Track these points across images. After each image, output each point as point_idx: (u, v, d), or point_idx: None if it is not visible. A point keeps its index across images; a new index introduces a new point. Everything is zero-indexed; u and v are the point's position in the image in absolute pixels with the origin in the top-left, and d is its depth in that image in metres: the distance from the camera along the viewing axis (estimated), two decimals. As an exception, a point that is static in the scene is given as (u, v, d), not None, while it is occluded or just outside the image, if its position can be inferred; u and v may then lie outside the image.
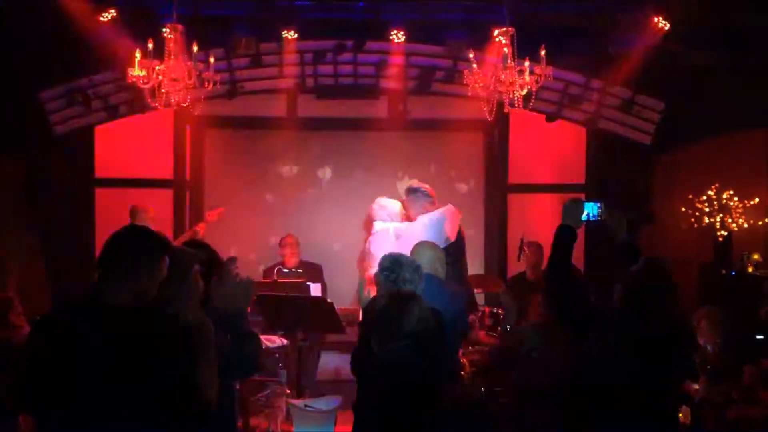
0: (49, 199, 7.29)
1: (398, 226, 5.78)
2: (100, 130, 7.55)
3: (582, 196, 7.67)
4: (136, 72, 5.94)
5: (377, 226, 5.90)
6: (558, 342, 3.69)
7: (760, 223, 7.77)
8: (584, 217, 3.44)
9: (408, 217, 5.90)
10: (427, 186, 5.95)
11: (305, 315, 5.38)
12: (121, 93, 7.31)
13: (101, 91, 7.31)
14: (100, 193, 7.60)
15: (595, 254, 7.20)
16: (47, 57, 7.09)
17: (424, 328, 2.81)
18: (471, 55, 6.06)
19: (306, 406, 3.81)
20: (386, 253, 5.64)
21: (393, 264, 3.75)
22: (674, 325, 3.03)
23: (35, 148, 7.30)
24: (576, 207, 3.38)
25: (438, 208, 5.87)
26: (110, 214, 7.36)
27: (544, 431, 3.38)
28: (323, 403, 3.84)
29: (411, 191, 5.88)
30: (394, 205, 5.95)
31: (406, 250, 4.69)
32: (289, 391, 4.27)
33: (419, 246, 5.06)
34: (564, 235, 3.32)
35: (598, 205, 3.58)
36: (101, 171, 7.61)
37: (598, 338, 2.96)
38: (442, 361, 2.89)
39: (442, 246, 5.36)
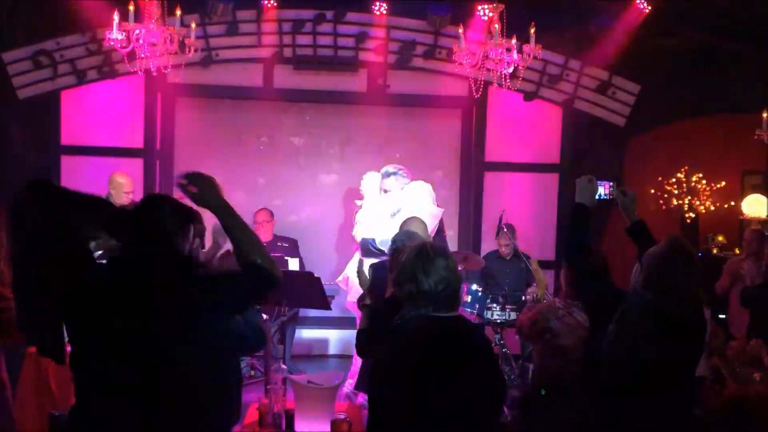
0: (13, 167, 6.96)
1: (391, 203, 5.80)
2: (66, 96, 7.23)
3: (557, 176, 7.80)
4: (114, 35, 5.70)
5: (366, 202, 5.90)
6: (571, 322, 3.69)
7: (726, 206, 7.98)
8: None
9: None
10: (402, 167, 6.05)
11: (291, 290, 5.30)
12: (90, 57, 7.06)
13: (69, 54, 7.03)
14: (66, 161, 7.30)
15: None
16: (12, 16, 6.75)
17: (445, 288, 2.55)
18: (460, 31, 6.01)
19: (309, 382, 3.73)
20: (373, 227, 5.68)
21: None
22: (695, 307, 3.03)
23: (-3, 112, 6.97)
24: (590, 185, 3.35)
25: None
26: (77, 183, 7.10)
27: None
28: (326, 379, 3.77)
29: (390, 174, 5.98)
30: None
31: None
32: (284, 367, 4.20)
33: (412, 220, 5.08)
34: (579, 214, 3.29)
35: (610, 183, 3.60)
36: (68, 138, 7.30)
37: (619, 320, 2.94)
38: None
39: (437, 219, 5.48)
